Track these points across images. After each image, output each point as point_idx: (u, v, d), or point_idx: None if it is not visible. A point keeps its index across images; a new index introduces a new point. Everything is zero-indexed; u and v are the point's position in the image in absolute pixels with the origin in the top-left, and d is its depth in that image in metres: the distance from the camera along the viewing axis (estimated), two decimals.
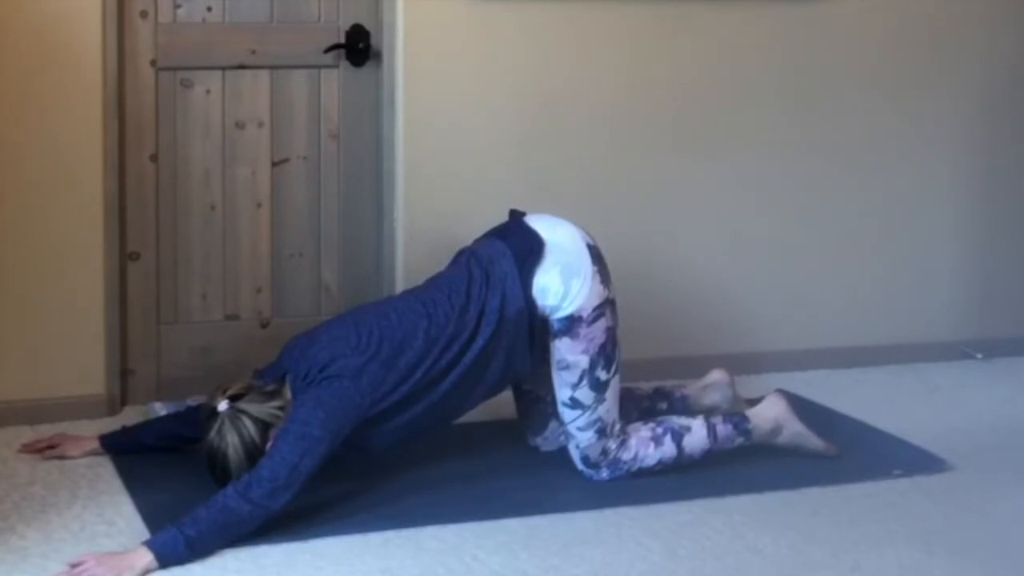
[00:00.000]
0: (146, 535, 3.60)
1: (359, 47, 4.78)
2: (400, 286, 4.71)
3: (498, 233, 4.14)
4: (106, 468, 4.12)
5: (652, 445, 4.13)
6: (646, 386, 4.56)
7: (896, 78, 5.30)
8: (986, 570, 3.62)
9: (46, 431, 4.35)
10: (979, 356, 5.41)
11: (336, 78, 4.80)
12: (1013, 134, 5.48)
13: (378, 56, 4.80)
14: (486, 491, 4.02)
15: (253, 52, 4.71)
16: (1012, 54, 5.44)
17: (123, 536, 3.67)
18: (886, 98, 5.29)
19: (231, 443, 3.76)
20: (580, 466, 4.12)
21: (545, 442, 4.31)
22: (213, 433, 3.78)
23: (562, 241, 4.05)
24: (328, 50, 4.76)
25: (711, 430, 4.18)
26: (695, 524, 3.85)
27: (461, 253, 4.17)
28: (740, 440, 4.22)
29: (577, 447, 4.11)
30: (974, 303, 5.51)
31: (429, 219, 4.80)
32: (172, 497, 3.82)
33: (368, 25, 4.79)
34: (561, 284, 3.99)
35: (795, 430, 4.28)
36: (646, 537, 3.76)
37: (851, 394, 4.99)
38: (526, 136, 4.89)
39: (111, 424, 4.40)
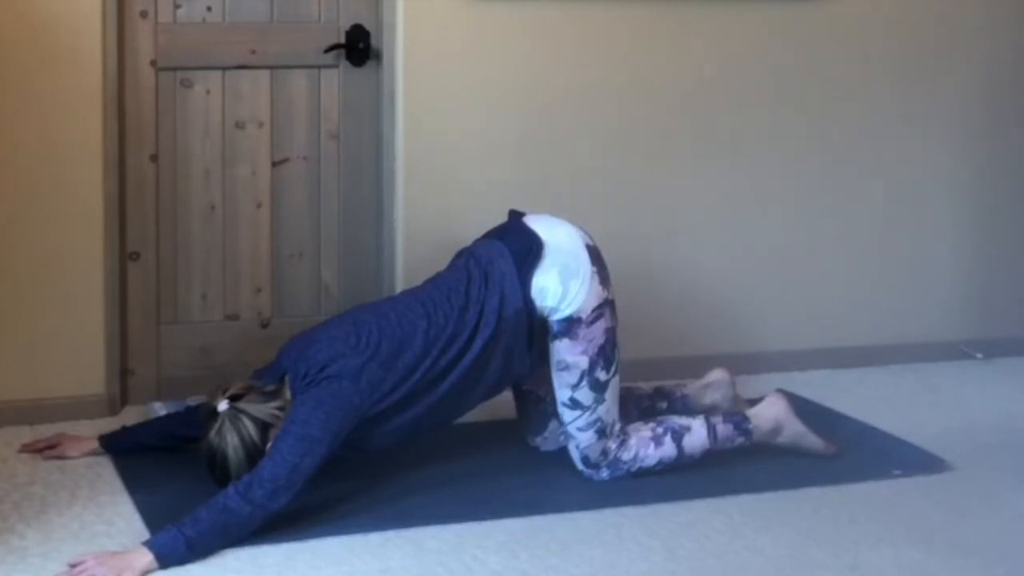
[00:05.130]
0: (146, 535, 3.60)
1: (359, 47, 4.78)
2: (400, 286, 4.71)
3: (497, 234, 4.14)
4: (106, 468, 4.12)
5: (652, 445, 4.13)
6: (646, 386, 4.56)
7: (896, 78, 5.29)
8: (986, 570, 3.62)
9: (46, 431, 4.35)
10: (979, 356, 5.41)
11: (336, 78, 4.80)
12: (1014, 134, 5.48)
13: (378, 56, 4.80)
14: (486, 491, 4.02)
15: (253, 52, 4.71)
16: (1013, 55, 5.44)
17: (123, 536, 3.67)
18: (886, 98, 5.29)
19: (231, 443, 3.76)
20: (580, 466, 4.12)
21: (545, 442, 4.31)
22: (213, 433, 3.78)
23: (561, 242, 4.05)
24: (328, 50, 4.76)
25: (711, 430, 4.18)
26: (695, 524, 3.85)
27: (460, 254, 4.17)
28: (740, 440, 4.22)
29: (577, 447, 4.11)
30: (974, 303, 5.51)
31: (429, 219, 4.80)
32: (172, 497, 3.82)
33: (368, 25, 4.79)
34: (560, 285, 3.99)
35: (795, 430, 4.28)
36: (646, 537, 3.76)
37: (851, 394, 4.99)
38: (526, 136, 4.89)
39: (111, 424, 4.40)
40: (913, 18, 5.29)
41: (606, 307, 4.04)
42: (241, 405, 3.79)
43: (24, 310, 4.46)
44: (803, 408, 4.47)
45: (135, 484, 3.99)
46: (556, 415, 4.15)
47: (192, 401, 4.33)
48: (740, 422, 4.23)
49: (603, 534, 3.78)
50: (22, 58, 4.37)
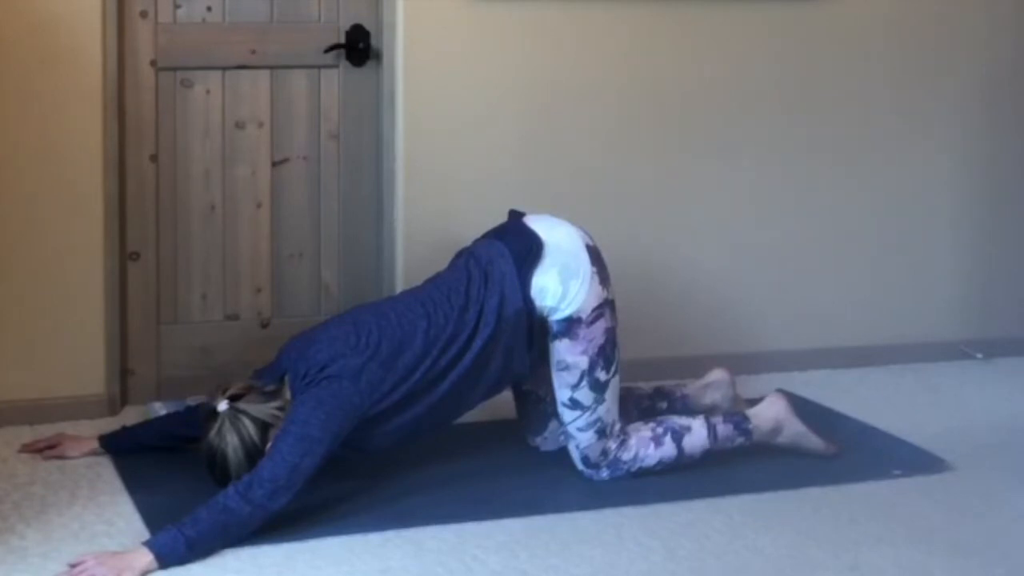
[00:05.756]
0: (146, 535, 3.60)
1: (359, 47, 4.79)
2: (400, 286, 4.71)
3: (497, 234, 4.14)
4: (106, 468, 4.12)
5: (652, 445, 4.13)
6: (646, 386, 4.56)
7: (896, 78, 5.29)
8: (986, 570, 3.62)
9: (46, 431, 4.35)
10: (979, 356, 5.41)
11: (336, 78, 4.81)
12: (1014, 135, 5.48)
13: (378, 56, 4.80)
14: (486, 491, 4.02)
15: (253, 52, 4.71)
16: (1013, 55, 5.43)
17: (123, 536, 3.67)
18: (886, 98, 5.29)
19: (231, 443, 3.76)
20: (580, 466, 4.12)
21: (545, 442, 4.31)
22: (213, 433, 3.78)
23: (561, 242, 4.05)
24: (328, 50, 4.76)
25: (711, 430, 4.18)
26: (695, 524, 3.85)
27: (460, 254, 4.17)
28: (740, 440, 4.22)
29: (577, 447, 4.11)
30: (974, 303, 5.51)
31: (429, 219, 4.80)
32: (172, 497, 3.82)
33: (368, 25, 4.79)
34: (559, 285, 3.99)
35: (795, 430, 4.28)
36: (646, 537, 3.76)
37: (851, 394, 4.99)
38: (526, 136, 4.89)
39: (111, 424, 4.40)
40: (913, 18, 5.29)
41: (606, 307, 4.04)
42: (241, 405, 3.79)
43: (24, 310, 4.46)
44: (803, 408, 4.47)
45: (135, 484, 3.99)
46: (556, 415, 4.15)
47: (192, 401, 4.33)
48: (740, 422, 4.23)
49: (603, 534, 3.78)
50: (22, 58, 4.37)
